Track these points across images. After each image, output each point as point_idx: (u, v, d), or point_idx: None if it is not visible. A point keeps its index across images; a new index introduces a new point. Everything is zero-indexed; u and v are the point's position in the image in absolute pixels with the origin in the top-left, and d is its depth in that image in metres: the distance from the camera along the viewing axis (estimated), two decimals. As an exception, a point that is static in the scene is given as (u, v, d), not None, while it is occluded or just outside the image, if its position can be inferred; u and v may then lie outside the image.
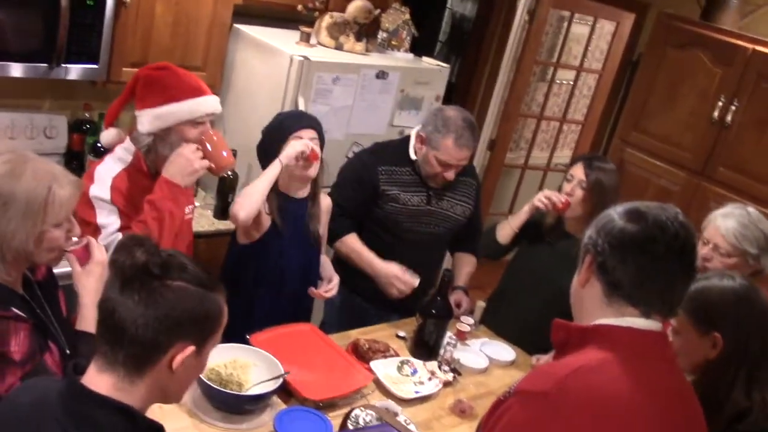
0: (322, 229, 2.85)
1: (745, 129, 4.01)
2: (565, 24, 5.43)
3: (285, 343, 2.51)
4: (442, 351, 2.76)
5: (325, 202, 2.85)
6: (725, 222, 2.56)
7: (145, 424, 1.38)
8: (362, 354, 2.65)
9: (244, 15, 3.66)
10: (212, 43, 3.45)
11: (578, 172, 2.90)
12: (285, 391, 2.33)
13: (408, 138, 3.05)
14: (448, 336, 2.79)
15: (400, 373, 2.61)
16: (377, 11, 3.71)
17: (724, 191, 4.05)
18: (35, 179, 1.77)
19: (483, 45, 5.07)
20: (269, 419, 2.20)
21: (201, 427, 2.14)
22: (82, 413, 1.33)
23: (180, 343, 1.35)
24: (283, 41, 3.53)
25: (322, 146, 2.71)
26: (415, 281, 2.90)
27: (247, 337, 2.46)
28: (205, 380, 2.17)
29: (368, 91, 3.60)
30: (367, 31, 3.72)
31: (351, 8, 3.66)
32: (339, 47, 3.68)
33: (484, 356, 2.87)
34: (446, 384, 2.64)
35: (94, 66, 3.11)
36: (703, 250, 2.55)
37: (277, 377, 2.29)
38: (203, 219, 3.46)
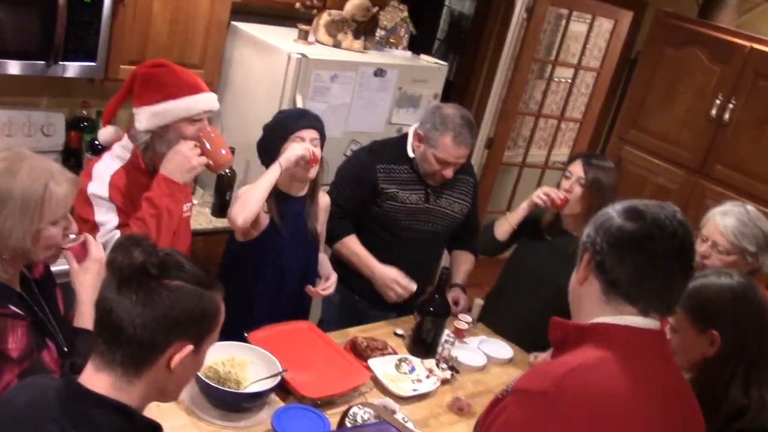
0: (320, 227, 2.84)
1: (743, 127, 4.01)
2: (563, 22, 5.42)
3: (283, 341, 2.51)
4: (440, 349, 2.76)
5: (324, 200, 2.85)
6: (724, 219, 2.56)
7: (142, 423, 1.38)
8: (360, 352, 2.65)
9: (242, 13, 3.66)
10: (210, 41, 3.45)
11: (577, 169, 2.90)
12: (283, 389, 2.33)
13: (405, 136, 3.05)
14: (446, 334, 2.79)
15: (398, 370, 2.61)
16: (375, 9, 3.70)
17: (722, 189, 4.05)
18: (31, 177, 1.77)
19: (481, 43, 5.06)
20: (267, 417, 2.20)
21: (199, 425, 2.14)
22: (79, 412, 1.32)
23: (178, 343, 1.35)
24: (280, 39, 3.53)
25: (322, 145, 2.71)
26: (413, 287, 2.91)
27: (245, 335, 2.46)
28: (203, 378, 2.17)
29: (366, 89, 3.60)
30: (365, 28, 3.72)
31: (349, 6, 3.65)
32: (337, 45, 3.67)
33: (482, 354, 2.87)
34: (444, 382, 2.64)
35: (92, 64, 3.11)
36: (701, 248, 2.56)
37: (275, 375, 2.28)
38: (201, 217, 3.46)
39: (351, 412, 2.21)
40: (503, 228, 3.08)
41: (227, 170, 3.37)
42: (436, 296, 2.76)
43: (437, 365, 2.69)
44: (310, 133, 2.65)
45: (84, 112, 3.48)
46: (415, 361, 2.68)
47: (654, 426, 1.46)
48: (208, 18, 3.39)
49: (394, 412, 2.31)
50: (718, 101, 4.08)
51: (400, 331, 2.92)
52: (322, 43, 3.67)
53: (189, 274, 1.36)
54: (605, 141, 5.27)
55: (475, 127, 2.93)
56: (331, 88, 3.48)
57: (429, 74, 3.84)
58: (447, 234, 3.17)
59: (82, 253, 1.92)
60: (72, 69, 3.07)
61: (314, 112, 2.78)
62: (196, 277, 1.36)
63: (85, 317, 1.88)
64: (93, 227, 2.28)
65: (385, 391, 2.50)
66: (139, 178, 2.38)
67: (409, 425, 2.27)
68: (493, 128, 5.13)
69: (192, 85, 2.37)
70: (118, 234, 2.30)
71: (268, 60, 3.46)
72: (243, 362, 2.34)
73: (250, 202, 2.54)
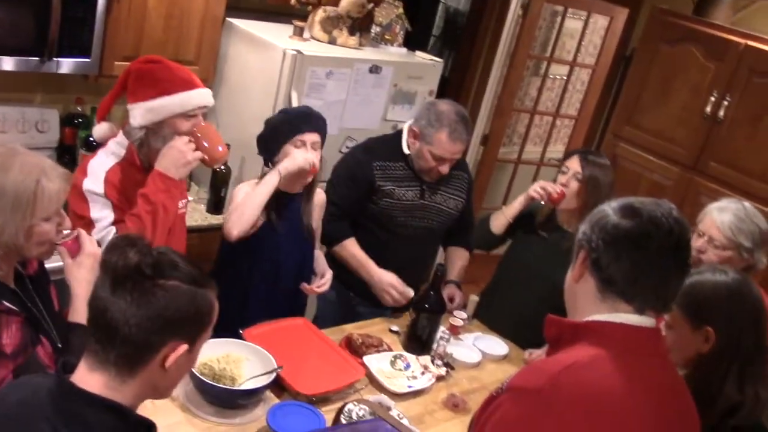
0: (316, 223, 2.84)
1: (738, 124, 4.01)
2: (559, 18, 5.42)
3: (278, 338, 2.51)
4: (435, 345, 2.76)
5: (319, 196, 2.84)
6: (721, 215, 2.57)
7: (135, 421, 1.38)
8: (355, 348, 2.65)
9: (237, 9, 3.65)
10: (205, 37, 3.44)
11: (574, 164, 2.90)
12: (278, 385, 2.33)
13: (400, 132, 3.05)
14: (441, 330, 2.79)
15: (393, 367, 2.62)
16: (370, 5, 3.70)
17: (717, 186, 4.07)
18: (23, 173, 1.76)
19: (476, 39, 5.06)
20: (262, 414, 2.20)
21: (194, 421, 2.14)
22: (71, 411, 1.32)
23: (172, 342, 1.34)
24: (276, 35, 3.52)
25: (323, 144, 2.71)
26: (410, 293, 2.93)
27: (240, 331, 2.46)
28: (198, 375, 2.16)
29: (361, 86, 3.59)
30: (360, 25, 3.71)
31: (344, 2, 3.65)
32: (332, 41, 3.66)
33: (477, 351, 2.87)
34: (439, 378, 2.64)
35: (86, 60, 3.10)
36: (697, 243, 2.56)
37: (270, 372, 2.28)
38: (196, 213, 3.45)
39: (346, 408, 2.21)
40: (499, 221, 3.08)
41: (222, 167, 3.37)
42: (431, 293, 2.76)
43: (432, 362, 2.69)
44: (312, 137, 2.65)
45: (78, 108, 3.47)
46: (410, 357, 2.68)
47: (649, 423, 1.47)
48: (203, 14, 3.38)
49: (389, 408, 2.31)
50: (712, 98, 4.09)
51: (395, 328, 2.92)
52: (318, 40, 3.66)
53: (183, 273, 1.35)
54: (600, 138, 5.27)
55: (470, 122, 2.93)
56: (327, 84, 3.47)
57: (424, 71, 3.84)
58: (442, 230, 3.17)
59: (75, 248, 1.92)
60: (66, 65, 3.06)
61: (317, 111, 2.77)
62: (191, 276, 1.36)
63: (79, 312, 1.87)
64: (88, 223, 2.27)
65: (380, 388, 2.50)
66: (135, 174, 2.38)
67: (404, 422, 2.26)
68: (489, 125, 5.13)
69: (186, 81, 2.36)
70: (113, 230, 2.29)
71: (264, 56, 3.45)
72: (238, 359, 2.34)
73: (246, 215, 2.55)
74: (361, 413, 2.19)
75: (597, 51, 5.48)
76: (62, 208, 1.88)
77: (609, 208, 1.54)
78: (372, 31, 3.88)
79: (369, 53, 3.70)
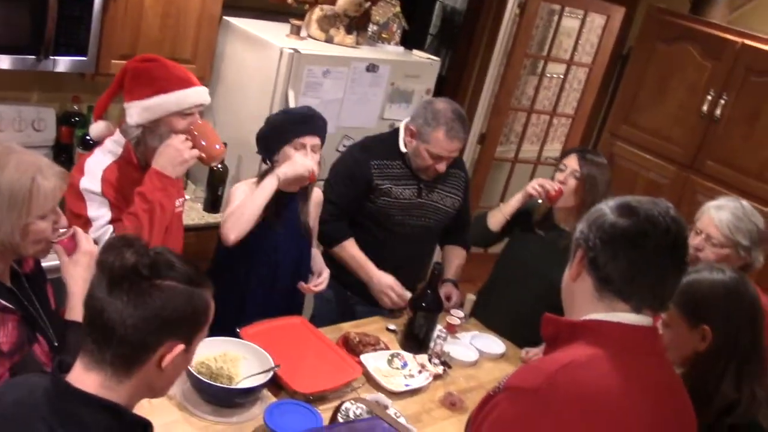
0: (313, 221, 2.84)
1: (734, 123, 4.02)
2: (556, 17, 5.42)
3: (275, 337, 2.51)
4: (432, 344, 2.76)
5: (316, 194, 2.84)
6: (719, 213, 2.57)
7: (131, 421, 1.38)
8: (353, 347, 2.65)
9: (234, 7, 3.65)
10: (201, 36, 3.43)
11: (572, 162, 2.90)
12: (275, 384, 2.33)
13: (397, 131, 3.04)
14: (438, 329, 2.79)
15: (390, 366, 2.61)
16: (367, 4, 3.69)
17: (713, 185, 4.07)
18: (18, 171, 1.76)
19: (473, 38, 5.06)
20: (259, 412, 2.20)
21: (191, 420, 2.14)
22: (67, 411, 1.32)
23: (169, 342, 1.34)
24: (273, 34, 3.51)
25: (323, 145, 2.71)
26: (408, 295, 2.93)
27: (237, 330, 2.46)
28: (195, 374, 2.16)
29: (358, 85, 3.59)
30: (357, 24, 3.71)
31: (341, 1, 3.64)
32: (329, 40, 3.66)
33: (474, 349, 2.87)
34: (436, 377, 2.64)
35: (83, 58, 3.09)
36: (695, 240, 2.57)
37: (268, 370, 2.28)
38: (193, 212, 3.45)
39: (343, 407, 2.21)
40: (496, 219, 3.08)
41: (219, 165, 3.36)
42: (429, 291, 2.76)
43: (429, 360, 2.69)
44: (312, 140, 2.65)
45: (75, 107, 3.46)
46: (408, 356, 2.68)
47: (645, 422, 1.47)
48: (199, 12, 3.37)
49: (386, 407, 2.31)
50: (709, 97, 4.09)
51: (392, 327, 2.92)
52: (315, 39, 3.66)
53: (179, 272, 1.35)
54: (597, 136, 5.28)
55: (467, 120, 2.93)
56: (324, 83, 3.47)
57: (421, 69, 3.83)
58: (439, 229, 3.17)
59: (71, 246, 1.91)
60: (63, 64, 3.05)
61: (318, 111, 2.77)
62: (187, 276, 1.36)
63: (75, 310, 1.87)
64: (85, 222, 2.27)
65: (378, 387, 2.50)
66: (131, 172, 2.37)
67: (402, 420, 2.27)
68: (486, 124, 5.13)
69: (183, 79, 2.36)
70: (110, 229, 2.29)
71: (260, 55, 3.45)
72: (235, 358, 2.34)
73: (243, 219, 2.55)
74: (358, 412, 2.19)
75: (594, 50, 5.49)
76: (59, 206, 1.88)
77: (606, 207, 1.54)
78: (369, 29, 3.88)
79: (366, 52, 3.69)
